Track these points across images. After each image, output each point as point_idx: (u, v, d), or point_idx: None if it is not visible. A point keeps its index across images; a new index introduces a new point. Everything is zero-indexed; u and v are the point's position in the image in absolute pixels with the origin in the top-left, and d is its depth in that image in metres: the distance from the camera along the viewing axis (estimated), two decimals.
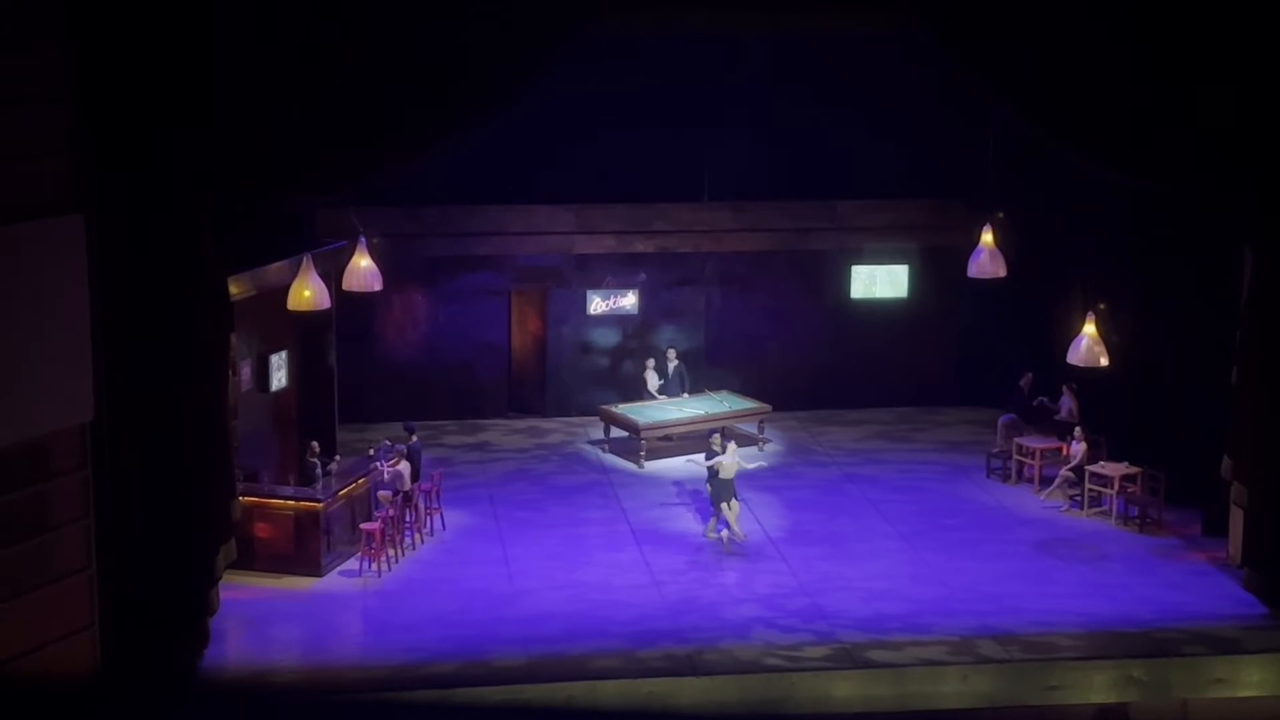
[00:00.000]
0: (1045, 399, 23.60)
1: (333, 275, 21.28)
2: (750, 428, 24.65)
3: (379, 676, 17.16)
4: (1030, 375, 23.74)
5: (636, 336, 26.08)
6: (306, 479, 20.57)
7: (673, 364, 25.22)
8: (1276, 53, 17.57)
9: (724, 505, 20.67)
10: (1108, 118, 18.00)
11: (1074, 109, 18.05)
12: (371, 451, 21.35)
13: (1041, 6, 17.75)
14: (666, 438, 24.10)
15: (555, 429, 25.56)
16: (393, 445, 21.20)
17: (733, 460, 20.84)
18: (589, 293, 25.87)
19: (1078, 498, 21.99)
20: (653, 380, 25.16)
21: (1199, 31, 17.53)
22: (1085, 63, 17.74)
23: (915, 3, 18.40)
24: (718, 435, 21.70)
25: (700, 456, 21.67)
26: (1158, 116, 17.80)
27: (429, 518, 21.17)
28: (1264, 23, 17.56)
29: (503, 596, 19.24)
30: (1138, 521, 21.37)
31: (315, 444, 20.86)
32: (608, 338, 26.11)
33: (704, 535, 20.92)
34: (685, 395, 25.02)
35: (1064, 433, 22.71)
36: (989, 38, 18.01)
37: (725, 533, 20.72)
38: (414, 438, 21.44)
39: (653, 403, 24.85)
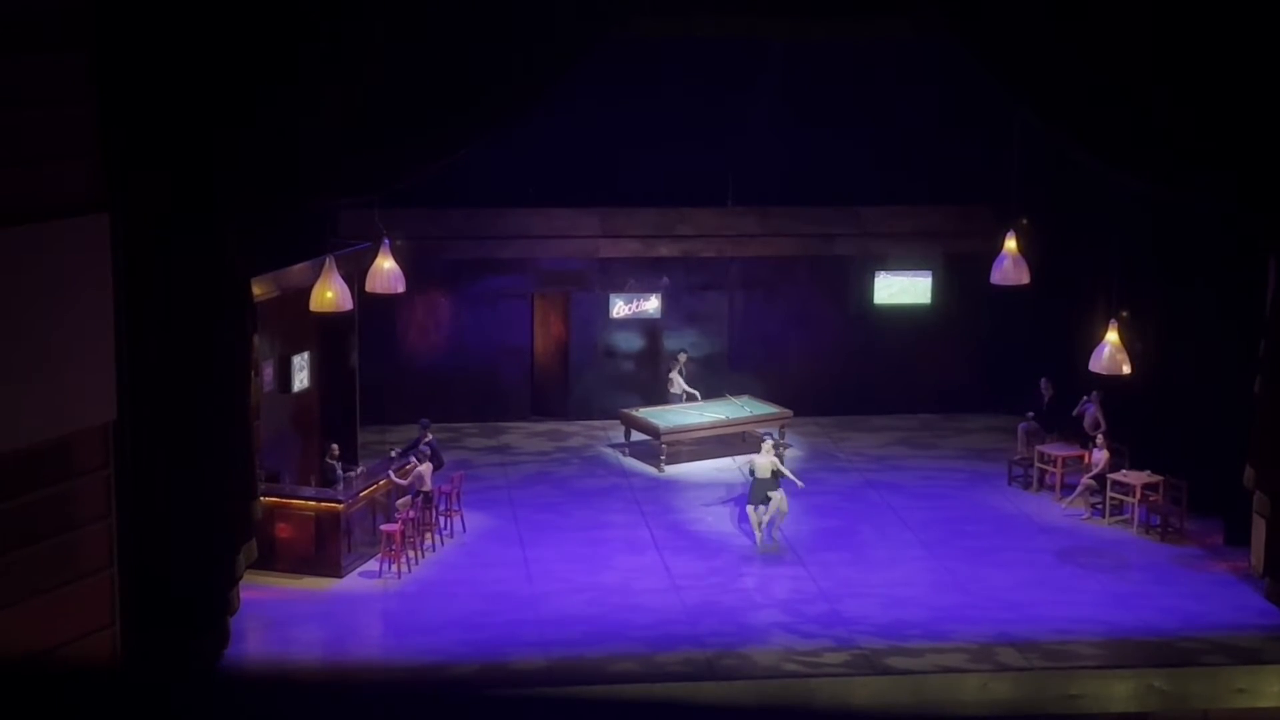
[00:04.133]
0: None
1: (355, 277, 21.31)
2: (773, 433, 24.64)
3: (398, 678, 17.19)
4: (1048, 380, 23.62)
5: (659, 340, 26.08)
6: (328, 480, 20.61)
7: (678, 365, 25.05)
8: None
9: (750, 507, 20.65)
10: (1129, 124, 17.95)
11: (1096, 115, 18.00)
12: (393, 454, 21.38)
13: (1059, 9, 17.71)
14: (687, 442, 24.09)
15: (576, 432, 25.57)
16: (416, 450, 21.13)
17: (766, 459, 20.80)
18: (612, 296, 25.86)
19: (1099, 506, 21.91)
20: (678, 383, 25.13)
21: (1217, 39, 17.46)
22: (1105, 68, 17.69)
23: (937, 7, 18.38)
24: (769, 440, 21.58)
25: (745, 459, 21.81)
26: (1176, 122, 17.74)
27: (449, 520, 21.20)
28: None
29: (522, 599, 19.26)
30: (1159, 530, 21.30)
31: (335, 446, 20.90)
32: (630, 342, 26.11)
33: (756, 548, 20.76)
34: (684, 396, 24.83)
35: (1086, 440, 22.65)
36: (1009, 40, 17.97)
37: (760, 535, 20.70)
38: (429, 434, 21.41)
39: (674, 407, 24.83)
